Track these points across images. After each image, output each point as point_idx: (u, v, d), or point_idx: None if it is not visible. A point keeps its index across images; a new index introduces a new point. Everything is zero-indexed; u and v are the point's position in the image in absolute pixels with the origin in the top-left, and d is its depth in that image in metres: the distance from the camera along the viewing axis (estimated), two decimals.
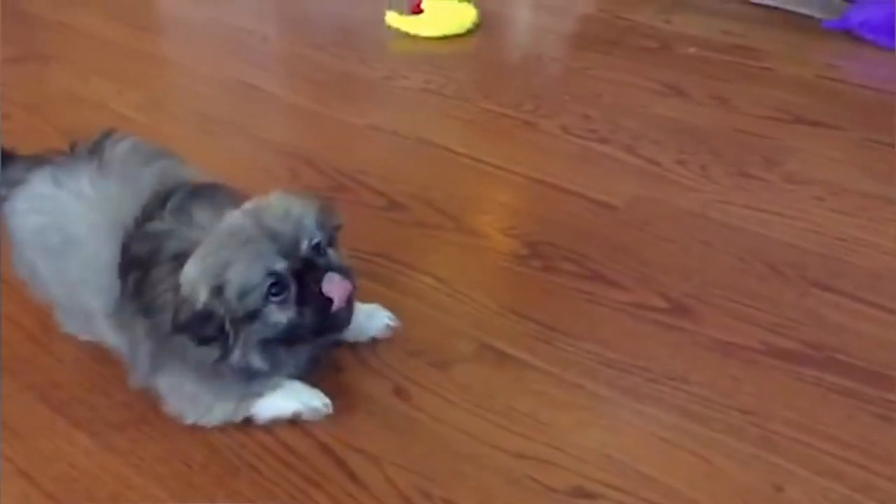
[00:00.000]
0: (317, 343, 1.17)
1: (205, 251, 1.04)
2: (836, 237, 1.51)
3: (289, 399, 1.15)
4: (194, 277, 1.03)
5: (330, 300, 1.05)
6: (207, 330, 1.04)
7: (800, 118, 1.90)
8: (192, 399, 1.14)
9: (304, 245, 1.06)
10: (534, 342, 1.30)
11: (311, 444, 1.13)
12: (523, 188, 1.70)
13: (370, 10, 2.48)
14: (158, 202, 1.12)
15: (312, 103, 2.04)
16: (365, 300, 1.28)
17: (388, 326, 1.29)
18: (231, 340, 1.05)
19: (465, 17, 2.39)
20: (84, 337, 1.26)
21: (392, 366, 1.26)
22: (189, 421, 1.15)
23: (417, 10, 2.39)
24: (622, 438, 1.14)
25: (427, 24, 2.37)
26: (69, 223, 1.16)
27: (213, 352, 1.06)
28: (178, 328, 1.04)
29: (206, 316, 1.03)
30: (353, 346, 1.28)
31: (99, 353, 1.24)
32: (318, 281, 1.05)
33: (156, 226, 1.10)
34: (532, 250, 1.50)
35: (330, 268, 1.07)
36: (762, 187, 1.66)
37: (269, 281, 1.03)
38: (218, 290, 1.02)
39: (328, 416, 1.16)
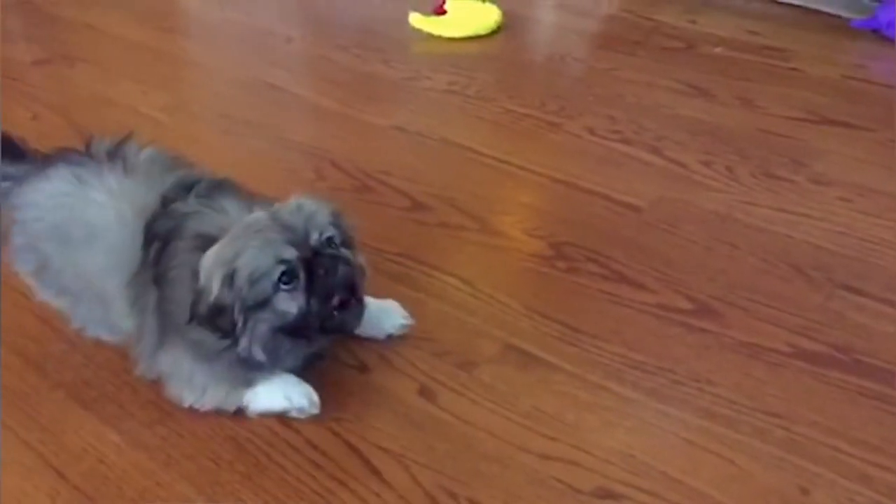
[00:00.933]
0: (321, 340, 1.17)
1: (222, 244, 1.07)
2: (863, 238, 1.49)
3: (278, 394, 1.16)
4: (209, 267, 1.06)
5: (336, 289, 1.07)
6: (222, 322, 1.06)
7: (826, 119, 1.88)
8: (189, 379, 1.16)
9: (315, 237, 1.08)
10: (558, 343, 1.30)
11: (338, 443, 1.14)
12: (547, 189, 1.70)
13: (393, 12, 2.49)
14: (184, 188, 1.17)
15: (336, 104, 2.05)
16: (387, 299, 1.31)
17: (403, 325, 1.30)
18: (240, 329, 1.07)
19: (489, 17, 2.39)
20: (93, 331, 1.28)
21: (417, 366, 1.26)
22: (186, 403, 1.17)
23: (441, 11, 2.40)
24: (647, 440, 1.14)
25: (450, 25, 2.37)
26: (94, 215, 1.18)
27: (221, 340, 1.09)
28: (196, 320, 1.07)
29: (220, 309, 1.05)
30: (379, 347, 1.29)
31: (127, 353, 1.26)
32: (328, 271, 1.07)
33: (180, 206, 1.14)
34: (556, 251, 1.50)
35: (339, 259, 1.08)
36: (788, 188, 1.65)
37: (280, 269, 1.05)
38: (230, 278, 1.05)
39: (355, 416, 1.17)
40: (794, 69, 2.12)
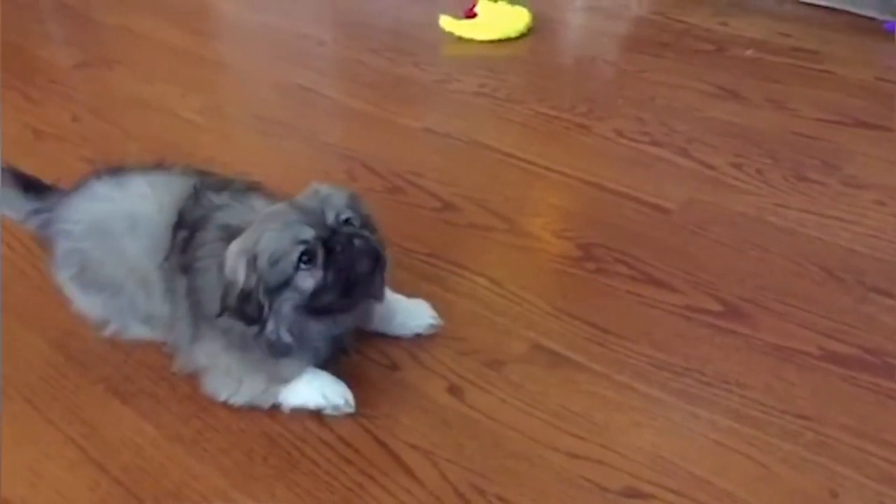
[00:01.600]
0: (343, 320, 1.18)
1: (244, 235, 1.12)
2: (895, 241, 1.48)
3: (314, 391, 1.18)
4: (233, 259, 1.10)
5: (353, 263, 1.10)
6: (249, 309, 1.10)
7: (859, 121, 1.87)
8: (226, 373, 1.19)
9: (331, 217, 1.11)
10: (587, 343, 1.31)
11: (368, 439, 1.16)
12: (576, 191, 1.71)
13: (424, 15, 2.51)
14: (219, 184, 1.22)
15: (368, 106, 2.08)
16: (416, 299, 1.33)
17: (431, 325, 1.32)
18: (266, 311, 1.10)
19: (519, 20, 2.40)
20: (130, 327, 1.31)
21: (446, 364, 1.28)
22: (222, 397, 1.20)
23: (471, 14, 2.41)
24: (675, 440, 1.14)
25: (481, 28, 2.39)
26: (136, 206, 1.24)
27: (250, 328, 1.12)
28: (226, 309, 1.11)
29: (246, 295, 1.09)
30: (408, 346, 1.31)
31: (165, 350, 1.29)
32: (344, 247, 1.10)
33: (212, 198, 1.20)
34: (585, 252, 1.51)
35: (355, 235, 1.11)
36: (820, 191, 1.64)
37: (299, 249, 1.09)
38: (252, 261, 1.09)
39: (385, 413, 1.19)
40: (826, 71, 2.11)
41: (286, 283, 1.10)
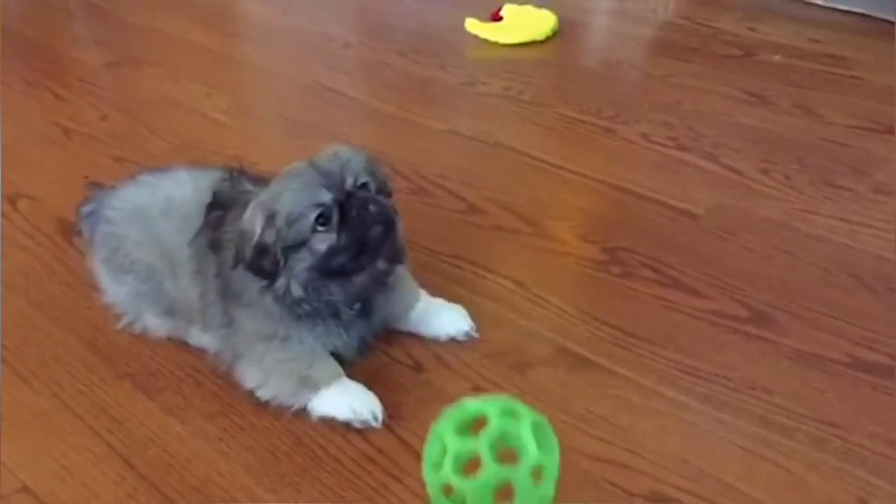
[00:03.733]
0: (362, 280, 1.19)
1: (264, 192, 1.15)
2: None
3: (343, 403, 1.18)
4: (251, 212, 1.14)
5: (366, 227, 1.13)
6: (266, 263, 1.13)
7: (889, 128, 1.85)
8: (257, 362, 1.20)
9: (350, 181, 1.13)
10: (612, 347, 1.30)
11: (392, 439, 1.16)
12: (602, 194, 1.70)
13: (450, 18, 2.51)
14: (256, 176, 1.27)
15: (394, 108, 2.08)
16: (457, 304, 1.34)
17: (467, 332, 1.32)
18: (280, 267, 1.13)
19: (545, 24, 2.40)
20: (141, 321, 1.33)
21: (471, 366, 1.28)
22: (250, 385, 1.21)
23: (497, 18, 2.41)
24: (701, 446, 1.14)
25: (507, 31, 2.39)
26: (174, 190, 1.29)
27: (263, 282, 1.15)
28: (240, 261, 1.14)
29: (263, 249, 1.12)
30: (434, 348, 1.31)
31: (190, 347, 1.31)
32: (359, 210, 1.13)
33: (245, 185, 1.24)
34: (611, 256, 1.50)
35: (370, 200, 1.14)
36: (849, 197, 1.63)
37: (316, 211, 1.11)
38: (270, 219, 1.12)
39: (410, 414, 1.19)
40: (855, 77, 2.09)
41: (302, 244, 1.13)
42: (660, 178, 1.72)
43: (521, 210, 1.64)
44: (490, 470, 0.81)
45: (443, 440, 0.85)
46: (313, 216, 1.11)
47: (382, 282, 1.23)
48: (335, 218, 1.12)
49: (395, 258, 1.22)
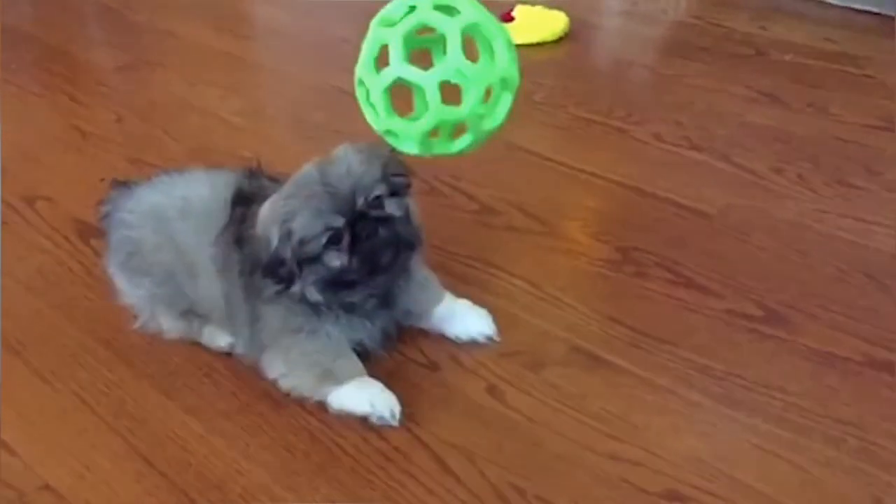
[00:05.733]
0: (376, 284, 1.21)
1: (277, 197, 1.17)
2: None
3: (363, 398, 1.19)
4: (266, 220, 1.17)
5: (377, 251, 1.16)
6: (282, 272, 1.17)
7: None
8: (282, 353, 1.22)
9: (361, 201, 1.15)
10: (626, 347, 1.31)
11: (408, 438, 1.17)
12: (615, 194, 1.71)
13: None
14: (274, 176, 1.28)
15: None
16: (481, 308, 1.34)
17: (488, 336, 1.32)
18: (296, 278, 1.17)
19: (556, 24, 2.40)
20: (157, 323, 1.34)
21: (486, 366, 1.29)
22: (271, 376, 1.23)
23: (509, 18, 2.42)
24: (716, 444, 1.14)
25: (518, 32, 2.38)
26: (190, 189, 1.31)
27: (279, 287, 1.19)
28: (259, 269, 1.17)
29: (280, 261, 1.16)
30: (449, 347, 1.32)
31: (207, 347, 1.32)
32: (369, 234, 1.16)
33: (265, 182, 1.26)
34: (624, 256, 1.51)
35: (381, 221, 1.16)
36: (862, 196, 1.63)
37: (327, 234, 1.15)
38: (285, 236, 1.15)
39: (425, 413, 1.20)
40: (868, 76, 2.09)
41: (315, 259, 1.16)
42: (672, 177, 1.72)
43: (534, 210, 1.65)
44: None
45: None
46: (324, 239, 1.15)
47: (399, 274, 1.24)
48: (346, 240, 1.15)
49: (410, 246, 1.23)
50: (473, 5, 0.98)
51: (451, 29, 0.97)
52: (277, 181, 1.24)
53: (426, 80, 0.99)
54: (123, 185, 1.40)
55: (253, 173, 1.29)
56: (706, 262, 1.47)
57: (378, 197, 1.17)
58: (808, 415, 1.17)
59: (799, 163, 1.74)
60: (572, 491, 1.09)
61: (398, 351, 1.31)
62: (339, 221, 1.14)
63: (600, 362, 1.28)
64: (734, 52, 2.27)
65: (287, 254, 1.16)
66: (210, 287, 1.27)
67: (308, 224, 1.15)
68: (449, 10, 0.99)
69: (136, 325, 1.35)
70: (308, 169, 1.18)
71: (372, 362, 1.26)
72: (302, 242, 1.15)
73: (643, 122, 1.94)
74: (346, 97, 2.26)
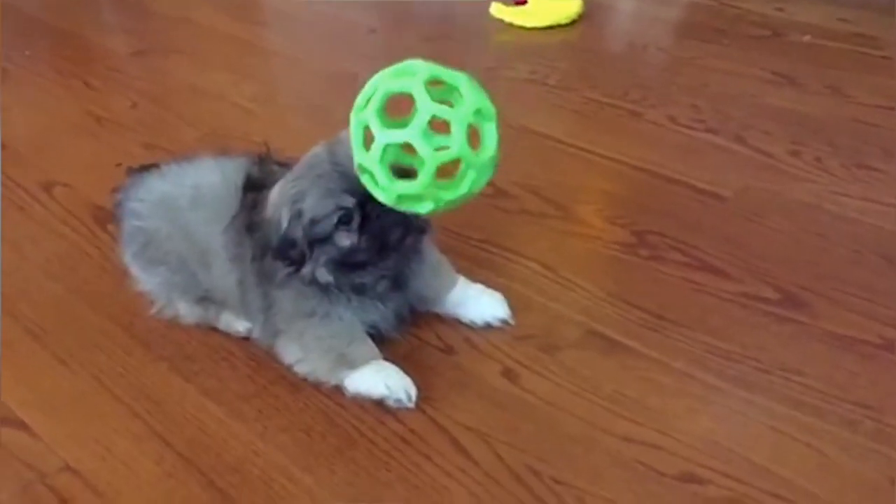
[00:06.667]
0: (386, 265, 1.22)
1: (287, 178, 1.18)
2: None
3: (378, 381, 1.20)
4: (277, 201, 1.18)
5: (386, 231, 1.17)
6: (293, 254, 1.17)
7: None
8: (297, 338, 1.23)
9: None
10: (641, 330, 1.31)
11: (425, 420, 1.18)
12: (629, 178, 1.70)
13: (474, 2, 2.51)
14: (284, 161, 1.28)
15: None
16: (496, 291, 1.34)
17: (503, 320, 1.32)
18: (307, 259, 1.18)
19: (570, 7, 2.39)
20: (174, 309, 1.35)
21: (501, 349, 1.29)
22: (287, 361, 1.24)
23: (522, 1, 2.41)
24: (732, 427, 1.14)
25: (531, 15, 2.38)
26: (200, 178, 1.31)
27: (289, 269, 1.19)
28: (270, 252, 1.18)
29: (291, 242, 1.17)
30: (463, 330, 1.32)
31: (224, 332, 1.33)
32: (379, 215, 1.16)
33: (274, 167, 1.27)
34: (639, 239, 1.51)
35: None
36: (880, 179, 1.61)
37: (338, 214, 1.16)
38: (296, 216, 1.16)
39: (441, 395, 1.21)
40: (885, 57, 2.06)
41: (326, 239, 1.17)
42: (688, 160, 1.71)
43: (548, 194, 1.65)
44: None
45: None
46: (335, 219, 1.16)
47: (409, 256, 1.25)
48: (357, 220, 1.16)
49: (419, 227, 1.23)
50: (426, 64, 1.07)
51: (413, 85, 1.03)
52: (287, 166, 1.24)
53: (410, 134, 1.03)
54: (139, 172, 1.40)
55: (262, 159, 1.30)
56: (722, 245, 1.47)
57: None
58: (824, 397, 1.17)
59: (815, 145, 1.73)
60: (588, 473, 1.09)
61: (413, 334, 1.31)
62: (350, 201, 1.15)
63: (615, 345, 1.28)
64: (750, 34, 2.25)
65: (298, 234, 1.16)
66: (223, 274, 1.28)
67: (319, 204, 1.16)
68: (405, 74, 1.07)
69: (153, 311, 1.36)
70: (317, 150, 1.19)
71: (387, 346, 1.26)
72: (313, 222, 1.16)
73: (658, 105, 1.93)
74: (358, 83, 2.26)
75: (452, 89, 1.07)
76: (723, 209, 1.57)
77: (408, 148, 1.05)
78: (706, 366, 1.23)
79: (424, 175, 1.05)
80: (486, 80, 2.25)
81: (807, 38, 2.19)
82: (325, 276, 1.20)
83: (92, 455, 1.16)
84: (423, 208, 1.10)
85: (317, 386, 1.23)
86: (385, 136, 1.04)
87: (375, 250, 1.18)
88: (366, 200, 1.15)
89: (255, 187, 1.25)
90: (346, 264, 1.19)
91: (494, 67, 2.18)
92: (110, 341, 1.35)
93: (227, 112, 2.06)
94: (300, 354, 1.23)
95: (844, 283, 1.36)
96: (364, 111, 1.06)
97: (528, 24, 2.38)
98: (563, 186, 1.67)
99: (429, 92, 1.03)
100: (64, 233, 1.62)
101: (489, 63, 2.21)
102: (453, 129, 1.04)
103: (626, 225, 1.55)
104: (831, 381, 1.19)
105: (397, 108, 1.08)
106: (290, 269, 1.19)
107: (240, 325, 1.31)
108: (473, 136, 1.06)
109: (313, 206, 1.16)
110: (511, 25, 2.39)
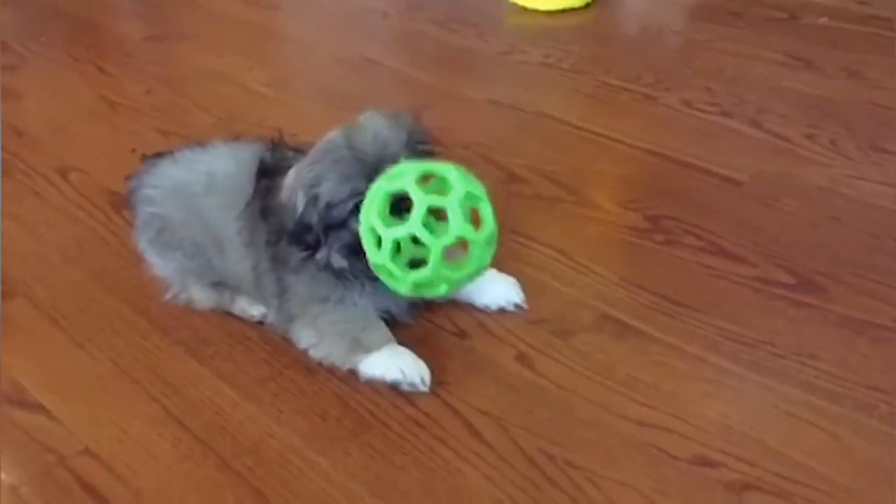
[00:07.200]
0: None
1: (304, 163, 1.19)
2: None
3: (393, 365, 1.20)
4: (293, 185, 1.18)
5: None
6: (309, 238, 1.18)
7: None
8: (312, 323, 1.24)
9: (387, 167, 1.16)
10: (655, 314, 1.31)
11: (439, 404, 1.18)
12: (643, 162, 1.69)
13: None
14: (297, 146, 1.28)
15: (432, 78, 2.08)
16: (509, 276, 1.35)
17: (516, 304, 1.33)
18: (322, 244, 1.19)
19: None
20: (188, 295, 1.36)
21: (514, 333, 1.29)
22: (302, 346, 1.25)
23: None
24: (746, 411, 1.14)
25: None
26: (214, 164, 1.32)
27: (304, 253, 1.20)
28: (285, 236, 1.19)
29: (307, 227, 1.17)
30: (477, 315, 1.32)
31: (239, 316, 1.34)
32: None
33: (288, 153, 1.27)
34: (653, 224, 1.50)
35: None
36: None
37: (355, 199, 1.15)
38: (312, 201, 1.17)
39: (455, 379, 1.21)
40: None
41: (342, 224, 1.18)
42: (703, 144, 1.70)
43: (561, 178, 1.64)
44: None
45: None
46: (351, 204, 1.16)
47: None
48: None
49: None
50: (416, 164, 1.14)
51: (407, 184, 1.10)
52: (301, 151, 1.25)
53: (411, 227, 1.10)
54: (153, 158, 1.41)
55: (276, 145, 1.30)
56: (736, 229, 1.46)
57: None
58: (839, 382, 1.16)
59: (831, 128, 1.71)
60: (602, 456, 1.10)
61: (427, 319, 1.32)
62: (366, 185, 1.15)
63: (629, 330, 1.28)
64: (766, 16, 2.23)
65: (313, 219, 1.17)
66: (238, 260, 1.29)
67: (335, 189, 1.16)
68: (398, 176, 1.13)
69: (169, 296, 1.37)
70: (334, 135, 1.19)
71: (401, 330, 1.27)
72: (329, 207, 1.16)
73: (672, 89, 1.92)
74: (373, 67, 2.27)
75: (442, 180, 1.13)
76: (738, 193, 1.56)
77: (416, 241, 1.11)
78: (720, 350, 1.23)
79: (433, 260, 1.11)
80: (499, 65, 2.26)
81: (823, 20, 2.16)
82: (339, 261, 1.20)
83: (110, 438, 1.17)
84: (439, 291, 1.16)
85: (331, 370, 1.24)
86: (390, 232, 1.11)
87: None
88: None
89: (268, 173, 1.25)
90: (360, 250, 1.19)
91: (507, 51, 2.18)
92: (127, 326, 1.36)
93: (241, 97, 2.07)
94: (315, 339, 1.24)
95: (859, 267, 1.36)
96: (369, 216, 1.12)
97: (542, 8, 2.36)
98: (576, 171, 1.67)
99: (422, 187, 1.10)
100: (80, 218, 1.63)
101: (502, 47, 2.20)
102: (449, 214, 1.10)
103: (640, 209, 1.55)
104: (846, 366, 1.19)
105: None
106: (305, 253, 1.20)
107: (254, 310, 1.32)
108: (474, 217, 1.14)
109: (330, 190, 1.16)
110: (524, 9, 2.38)
